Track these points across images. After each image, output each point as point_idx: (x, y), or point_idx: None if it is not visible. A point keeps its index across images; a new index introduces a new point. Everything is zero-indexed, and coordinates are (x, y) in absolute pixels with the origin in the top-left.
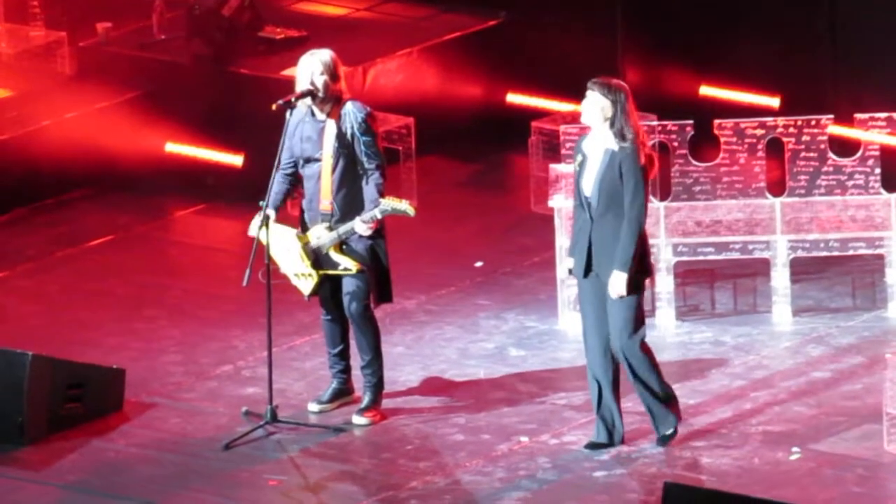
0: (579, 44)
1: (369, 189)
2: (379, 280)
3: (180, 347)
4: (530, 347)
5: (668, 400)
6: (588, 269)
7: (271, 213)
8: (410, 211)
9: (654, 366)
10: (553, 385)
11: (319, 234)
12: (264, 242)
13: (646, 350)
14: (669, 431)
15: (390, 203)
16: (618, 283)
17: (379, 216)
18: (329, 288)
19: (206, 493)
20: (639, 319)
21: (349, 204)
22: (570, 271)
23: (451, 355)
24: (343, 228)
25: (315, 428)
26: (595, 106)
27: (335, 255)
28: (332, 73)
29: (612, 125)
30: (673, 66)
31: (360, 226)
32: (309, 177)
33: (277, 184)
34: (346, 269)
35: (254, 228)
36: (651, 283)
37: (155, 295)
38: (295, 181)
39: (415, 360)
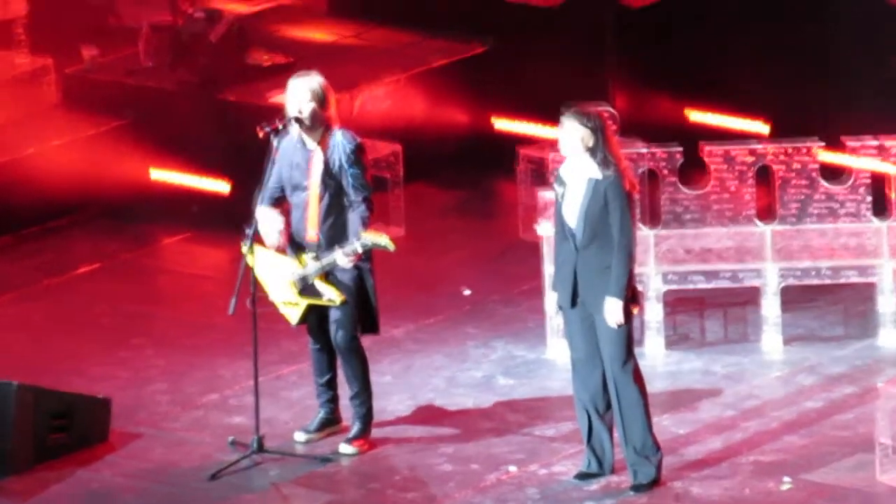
0: (567, 69)
1: (353, 221)
2: (364, 311)
3: (166, 376)
4: (519, 376)
5: (647, 452)
6: (574, 299)
7: (266, 209)
8: (391, 246)
9: (643, 404)
10: (542, 414)
11: (306, 263)
12: (251, 267)
13: (639, 381)
14: (644, 481)
15: (371, 237)
16: (614, 309)
17: (360, 250)
18: (316, 317)
19: None
20: (630, 348)
21: (336, 235)
22: (560, 307)
23: (440, 384)
24: (327, 259)
25: (302, 458)
26: (574, 135)
27: (320, 285)
28: (320, 100)
29: (593, 154)
30: (662, 91)
31: (342, 258)
32: (296, 205)
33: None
34: (329, 300)
35: (271, 234)
36: (640, 312)
37: (141, 323)
38: (277, 205)
39: (403, 390)
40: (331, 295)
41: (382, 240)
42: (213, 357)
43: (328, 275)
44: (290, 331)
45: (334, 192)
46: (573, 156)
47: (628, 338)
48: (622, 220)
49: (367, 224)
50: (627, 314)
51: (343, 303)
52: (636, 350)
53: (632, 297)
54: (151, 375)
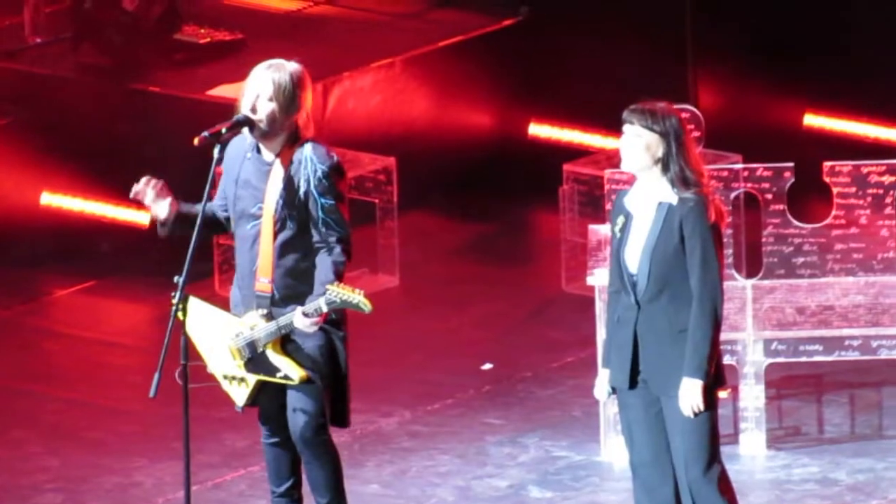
0: (632, 53)
1: (323, 268)
2: (334, 394)
3: (61, 484)
4: (561, 487)
5: None
6: (634, 377)
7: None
8: (365, 306)
9: None
10: None
11: (254, 324)
12: (183, 325)
13: (727, 493)
14: None
15: (338, 293)
16: (691, 393)
17: (325, 309)
18: (274, 398)
19: None
20: (714, 447)
21: (296, 284)
22: (613, 390)
23: (448, 497)
24: (284, 319)
25: None
26: (638, 144)
27: (273, 356)
28: (286, 99)
29: (665, 169)
30: (765, 86)
31: (301, 319)
32: (242, 240)
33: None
34: (286, 378)
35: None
36: (729, 396)
37: (25, 408)
38: (216, 226)
39: None
40: (288, 370)
41: (354, 297)
42: (126, 457)
43: (285, 341)
44: (237, 419)
45: (296, 226)
46: (639, 173)
47: (712, 433)
48: (704, 263)
49: (340, 273)
50: (711, 399)
51: (305, 381)
52: (724, 450)
53: (717, 376)
54: (38, 482)
